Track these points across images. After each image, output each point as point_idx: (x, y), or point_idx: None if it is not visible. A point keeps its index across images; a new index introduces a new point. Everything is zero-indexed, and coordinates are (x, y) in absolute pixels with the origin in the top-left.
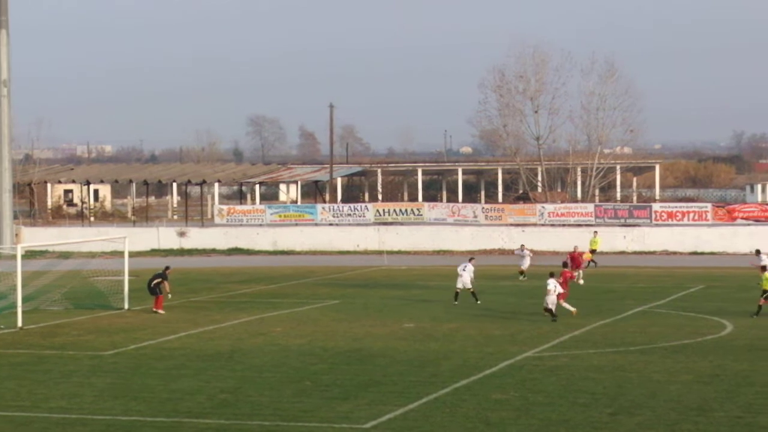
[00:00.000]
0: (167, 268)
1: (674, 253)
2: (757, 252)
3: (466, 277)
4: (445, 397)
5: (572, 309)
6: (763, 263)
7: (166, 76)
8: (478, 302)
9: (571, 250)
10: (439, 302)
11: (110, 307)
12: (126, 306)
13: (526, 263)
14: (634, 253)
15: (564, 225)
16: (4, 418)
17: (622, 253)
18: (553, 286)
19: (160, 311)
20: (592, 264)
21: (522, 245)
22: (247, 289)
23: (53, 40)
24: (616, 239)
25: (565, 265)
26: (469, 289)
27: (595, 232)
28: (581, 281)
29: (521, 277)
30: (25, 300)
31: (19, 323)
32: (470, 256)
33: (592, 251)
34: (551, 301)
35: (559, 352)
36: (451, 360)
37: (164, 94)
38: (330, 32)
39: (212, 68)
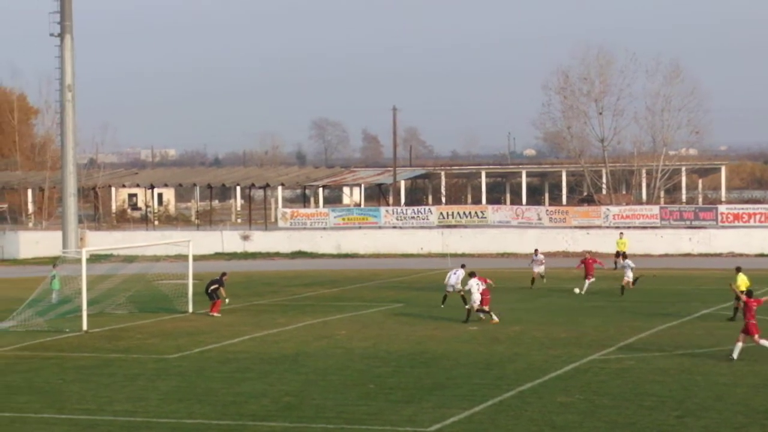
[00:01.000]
0: (224, 274)
1: (740, 255)
2: None
3: (453, 280)
4: (510, 400)
5: (495, 319)
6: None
7: (230, 80)
8: (467, 306)
9: (587, 256)
10: (503, 305)
11: (174, 310)
12: (190, 309)
13: (541, 269)
14: (700, 255)
15: (629, 227)
16: (69, 421)
17: (688, 255)
18: (476, 286)
19: (216, 314)
20: (627, 264)
21: (536, 250)
22: (311, 292)
23: (118, 44)
24: (681, 241)
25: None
26: (459, 291)
27: (621, 233)
28: (577, 290)
29: (542, 281)
30: (90, 303)
31: (84, 327)
32: (462, 262)
33: (620, 253)
34: (476, 299)
35: (624, 354)
36: (516, 363)
37: (227, 97)
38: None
39: (276, 71)
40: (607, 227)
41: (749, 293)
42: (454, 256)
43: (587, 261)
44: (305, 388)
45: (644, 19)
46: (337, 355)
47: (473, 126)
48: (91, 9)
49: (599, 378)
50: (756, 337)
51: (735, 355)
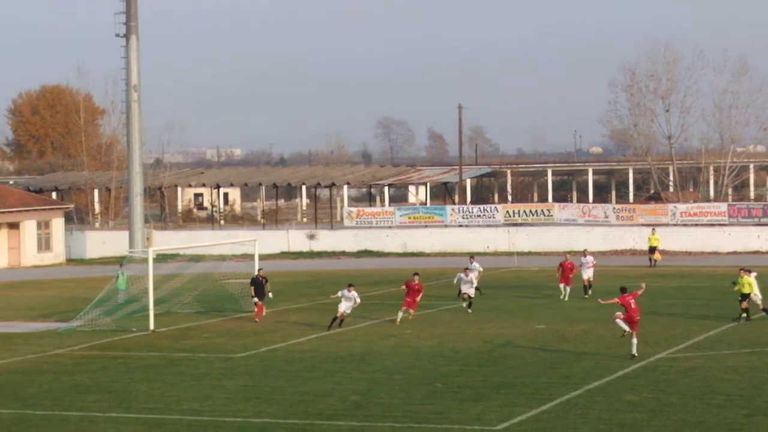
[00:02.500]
0: (260, 269)
1: None
2: None
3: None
4: (577, 398)
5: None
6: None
7: (295, 79)
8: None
9: (567, 257)
10: (571, 301)
11: (241, 309)
12: None
13: (590, 273)
14: None
15: (696, 225)
16: (137, 420)
17: (756, 252)
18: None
19: (257, 320)
20: (653, 263)
21: (584, 250)
22: (377, 291)
23: (183, 44)
24: (750, 239)
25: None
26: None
27: (653, 228)
28: (564, 298)
29: (586, 294)
30: (156, 303)
31: (151, 326)
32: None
33: (652, 249)
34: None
35: (693, 353)
36: (583, 361)
37: (293, 97)
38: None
39: (341, 71)
40: (675, 225)
41: None
42: (521, 254)
43: (565, 265)
44: (372, 387)
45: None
46: (403, 353)
47: (539, 124)
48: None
49: (667, 376)
50: None
51: None
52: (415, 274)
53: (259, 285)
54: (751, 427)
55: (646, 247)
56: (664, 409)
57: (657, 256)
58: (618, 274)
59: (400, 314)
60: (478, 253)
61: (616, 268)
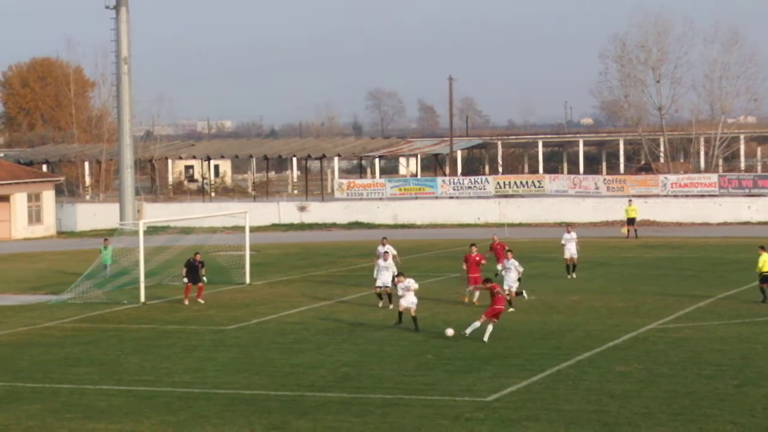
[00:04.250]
0: (197, 253)
1: None
2: None
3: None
4: (567, 369)
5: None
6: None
7: (285, 51)
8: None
9: (495, 239)
10: (560, 275)
11: (232, 281)
12: (247, 280)
13: (573, 249)
14: (759, 223)
15: (687, 196)
16: (128, 393)
17: (747, 223)
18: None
19: (201, 300)
20: (632, 234)
21: (568, 227)
22: (368, 263)
23: (174, 16)
24: (740, 209)
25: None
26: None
27: (630, 200)
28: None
29: (569, 274)
30: (147, 275)
31: (142, 298)
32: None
33: (630, 220)
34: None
35: (683, 323)
36: (574, 332)
37: (282, 69)
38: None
39: (331, 43)
40: (665, 196)
41: None
42: (511, 225)
43: (495, 246)
44: (362, 358)
45: None
46: (393, 325)
47: (530, 95)
48: None
49: (658, 347)
50: None
51: None
52: (473, 245)
53: (192, 268)
54: (741, 397)
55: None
56: (654, 380)
57: (624, 230)
58: (608, 245)
59: (468, 291)
60: (470, 225)
61: (606, 239)
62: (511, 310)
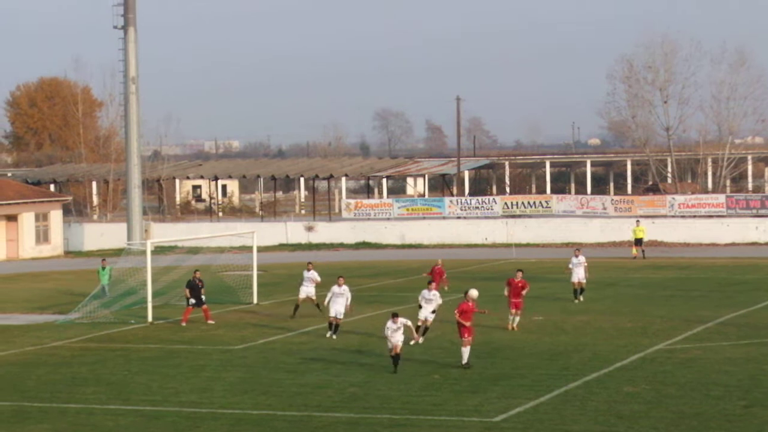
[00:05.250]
0: (196, 271)
1: None
2: None
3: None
4: (575, 390)
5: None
6: None
7: (293, 71)
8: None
9: (438, 263)
10: (568, 296)
11: (239, 301)
12: (255, 300)
13: (581, 274)
14: (767, 244)
15: (695, 216)
16: (135, 412)
17: (755, 243)
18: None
19: (211, 322)
20: (640, 254)
21: (576, 250)
22: (375, 283)
23: (181, 36)
24: (748, 230)
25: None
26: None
27: (637, 221)
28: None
29: (576, 299)
30: (155, 295)
31: (150, 318)
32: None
33: (638, 240)
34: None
35: (691, 344)
36: (581, 353)
37: (290, 88)
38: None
39: (339, 63)
40: (673, 216)
41: None
42: (519, 245)
43: (435, 271)
44: (370, 379)
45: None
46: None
47: (537, 116)
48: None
49: (665, 368)
50: None
51: None
52: (519, 270)
53: (194, 288)
54: (749, 418)
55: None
56: (662, 401)
57: (634, 251)
58: (616, 266)
59: (511, 318)
60: (477, 245)
61: (614, 260)
62: (420, 341)
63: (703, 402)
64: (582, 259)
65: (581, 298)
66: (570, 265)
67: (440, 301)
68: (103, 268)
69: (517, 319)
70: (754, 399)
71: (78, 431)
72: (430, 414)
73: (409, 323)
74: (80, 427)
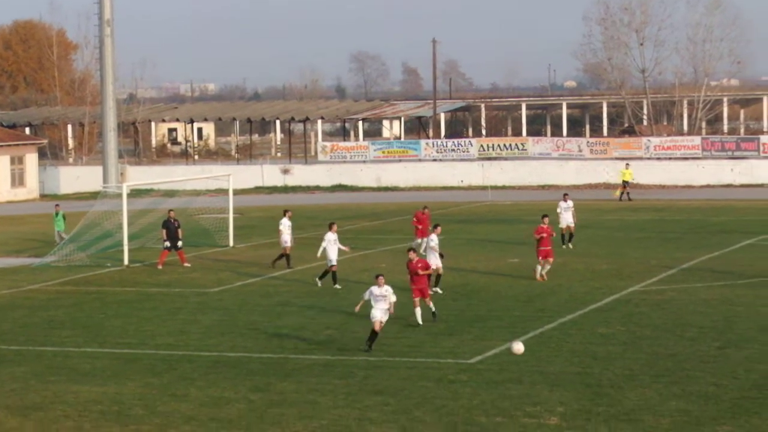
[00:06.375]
0: (171, 210)
1: None
2: None
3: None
4: (550, 332)
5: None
6: None
7: (269, 14)
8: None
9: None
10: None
11: (215, 244)
12: (231, 243)
13: (569, 218)
14: (742, 185)
15: (670, 158)
16: (111, 355)
17: (729, 186)
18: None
19: (186, 264)
20: (625, 197)
21: (565, 194)
22: (352, 225)
23: None
24: (723, 172)
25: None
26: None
27: (627, 164)
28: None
29: (564, 244)
30: (131, 238)
31: (126, 261)
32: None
33: (625, 183)
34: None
35: (666, 286)
36: (557, 295)
37: (266, 31)
38: None
39: (315, 5)
40: (649, 158)
41: None
42: (495, 188)
43: (419, 217)
44: (346, 321)
45: None
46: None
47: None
48: None
49: (640, 309)
50: None
51: None
52: (545, 216)
53: (170, 228)
54: (723, 359)
55: (619, 181)
56: (637, 342)
57: (617, 192)
58: (592, 208)
59: (540, 268)
60: (453, 188)
61: (590, 202)
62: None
63: (677, 343)
64: (570, 203)
65: (570, 245)
66: (559, 210)
67: (394, 299)
68: (57, 214)
69: (548, 267)
70: (728, 340)
71: (55, 374)
72: (406, 356)
73: (394, 298)
74: (57, 370)
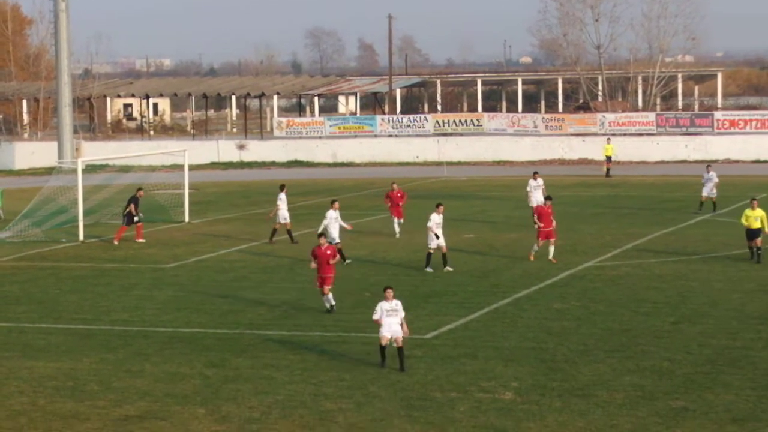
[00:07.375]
0: (139, 189)
1: (737, 161)
2: None
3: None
4: (505, 307)
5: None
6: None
7: None
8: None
9: (394, 188)
10: (500, 211)
11: (171, 220)
12: (186, 219)
13: (540, 196)
14: (696, 161)
15: (625, 134)
16: (66, 331)
17: (684, 162)
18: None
19: (141, 240)
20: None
21: (535, 173)
22: (307, 201)
23: None
24: (677, 148)
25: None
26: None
27: (608, 138)
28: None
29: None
30: (86, 214)
31: (81, 237)
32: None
33: (608, 158)
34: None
35: (620, 261)
36: (511, 270)
37: (222, 7)
38: None
39: None
40: (603, 134)
41: None
42: (450, 164)
43: (392, 196)
44: (301, 296)
45: None
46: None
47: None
48: None
49: (595, 285)
50: None
51: None
52: (548, 198)
53: (138, 205)
54: (677, 334)
55: (597, 157)
56: (591, 317)
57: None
58: (546, 183)
59: (536, 248)
60: (409, 164)
61: (545, 177)
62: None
63: (632, 318)
64: (540, 182)
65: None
66: (528, 189)
67: (403, 313)
68: None
69: (552, 249)
70: (682, 315)
71: (9, 350)
72: (362, 331)
73: (403, 313)
74: (11, 346)
